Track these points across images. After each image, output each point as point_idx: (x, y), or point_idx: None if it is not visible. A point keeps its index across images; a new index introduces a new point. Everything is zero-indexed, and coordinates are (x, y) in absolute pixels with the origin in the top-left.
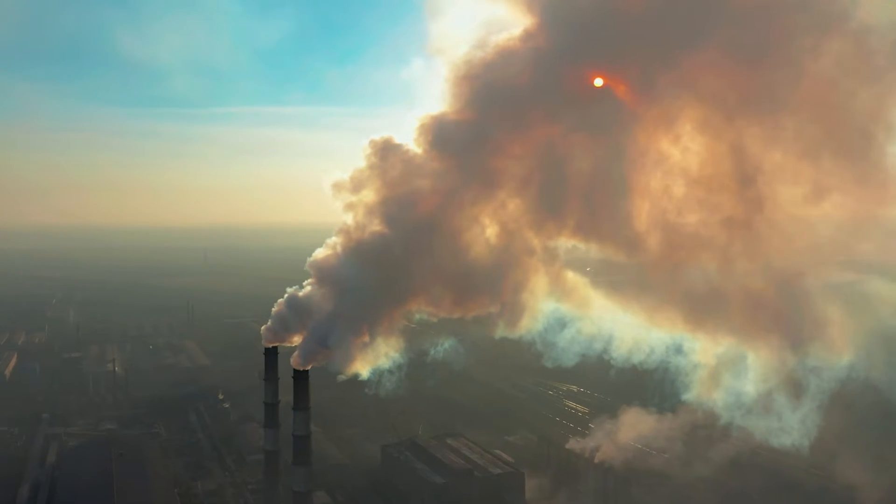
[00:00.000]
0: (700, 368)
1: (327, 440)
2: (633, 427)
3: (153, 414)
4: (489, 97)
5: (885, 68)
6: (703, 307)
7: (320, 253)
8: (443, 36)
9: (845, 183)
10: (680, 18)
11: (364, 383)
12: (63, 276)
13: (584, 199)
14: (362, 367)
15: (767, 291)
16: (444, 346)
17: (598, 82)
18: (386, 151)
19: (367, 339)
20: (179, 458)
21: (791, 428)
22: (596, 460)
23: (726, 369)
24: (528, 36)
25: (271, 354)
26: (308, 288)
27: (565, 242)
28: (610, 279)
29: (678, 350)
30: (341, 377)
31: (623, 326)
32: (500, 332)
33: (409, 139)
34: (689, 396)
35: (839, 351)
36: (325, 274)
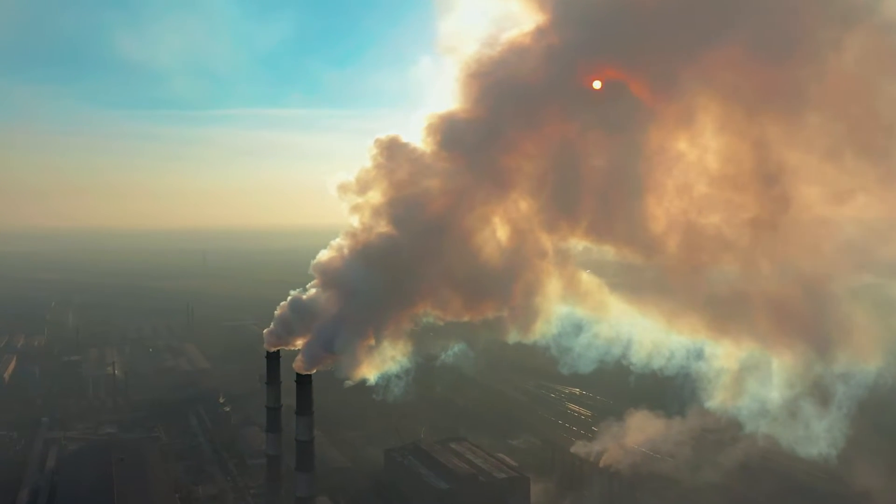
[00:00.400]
0: (722, 374)
1: (329, 444)
2: (639, 431)
3: (153, 417)
4: (501, 94)
5: None
6: (725, 311)
7: (324, 255)
8: (452, 33)
9: (870, 183)
10: (698, 12)
11: (364, 385)
12: (62, 279)
13: (599, 199)
14: (369, 372)
15: (793, 295)
16: (453, 351)
17: (597, 84)
18: (392, 151)
19: (372, 342)
20: (180, 463)
21: (818, 436)
22: (601, 464)
23: (750, 375)
24: (540, 32)
25: (273, 358)
26: (312, 291)
27: (578, 243)
28: (620, 280)
29: (699, 355)
30: (349, 383)
31: (641, 330)
32: (513, 336)
33: (413, 139)
34: (711, 403)
35: (867, 356)
36: (330, 277)
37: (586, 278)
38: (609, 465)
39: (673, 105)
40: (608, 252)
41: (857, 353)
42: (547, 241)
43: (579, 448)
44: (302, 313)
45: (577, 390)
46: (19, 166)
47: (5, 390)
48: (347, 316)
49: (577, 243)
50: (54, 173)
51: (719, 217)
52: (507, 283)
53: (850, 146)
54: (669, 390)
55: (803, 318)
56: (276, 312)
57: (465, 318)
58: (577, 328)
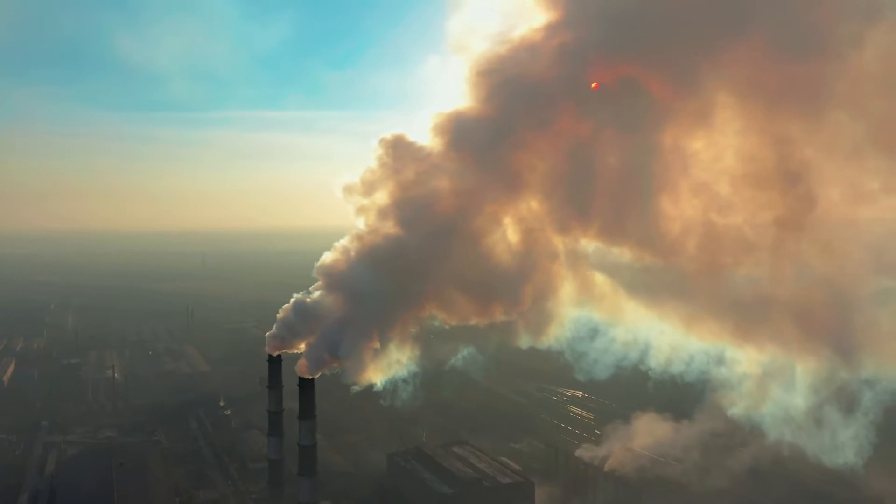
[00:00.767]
0: (745, 380)
1: (330, 448)
2: (644, 434)
3: (153, 421)
4: (512, 92)
5: None
6: (748, 315)
7: (328, 257)
8: (461, 31)
9: (893, 183)
10: (716, 6)
11: (365, 388)
12: (61, 281)
13: (614, 199)
14: (376, 377)
15: (817, 298)
16: (462, 355)
17: (596, 85)
18: (398, 150)
19: (377, 345)
20: (180, 467)
21: (843, 445)
22: (606, 469)
23: (773, 381)
24: (552, 28)
25: (275, 362)
26: (316, 293)
27: (590, 244)
28: (636, 282)
29: (718, 360)
30: (355, 388)
31: (658, 335)
32: (525, 341)
33: (417, 140)
34: (733, 409)
35: (894, 362)
36: (334, 279)
37: (601, 280)
38: (614, 469)
39: (691, 102)
40: (624, 254)
41: (883, 358)
42: (559, 243)
43: (584, 452)
44: (306, 316)
45: (578, 393)
46: (18, 168)
47: (4, 393)
48: (353, 319)
49: (590, 244)
50: (53, 175)
51: (741, 217)
52: (517, 286)
53: (872, 145)
54: (672, 393)
55: (828, 323)
56: (278, 315)
57: (473, 322)
58: (592, 332)
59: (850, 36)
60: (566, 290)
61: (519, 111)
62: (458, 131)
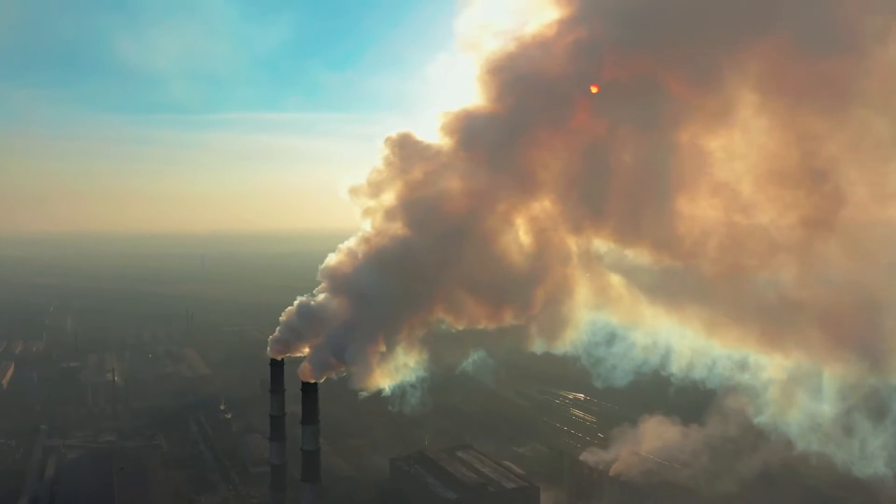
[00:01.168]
0: (771, 385)
1: (332, 452)
2: (649, 438)
3: (154, 425)
4: (524, 90)
5: None
6: (773, 319)
7: (333, 259)
8: (471, 29)
9: None
10: (738, 1)
11: (368, 392)
12: (60, 284)
13: (631, 199)
14: (383, 382)
15: (846, 301)
16: (472, 359)
17: (594, 90)
18: (405, 150)
19: (384, 349)
20: (181, 471)
21: (873, 454)
22: (611, 473)
23: (799, 387)
24: (565, 24)
25: (277, 366)
26: (321, 296)
27: (603, 245)
28: (654, 284)
29: (742, 365)
30: (363, 394)
31: (678, 339)
32: (539, 346)
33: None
34: (760, 418)
35: None
36: (340, 282)
37: (617, 282)
38: (619, 473)
39: (712, 99)
40: (642, 256)
41: None
42: (572, 244)
43: (588, 456)
44: (311, 319)
45: (581, 396)
46: (17, 171)
47: (3, 397)
48: (359, 322)
49: (603, 245)
50: (52, 178)
51: (766, 217)
52: (528, 288)
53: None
54: (675, 395)
55: (857, 327)
56: (281, 318)
57: (482, 325)
58: (609, 337)
59: (875, 32)
60: (581, 292)
61: (532, 109)
62: (469, 130)
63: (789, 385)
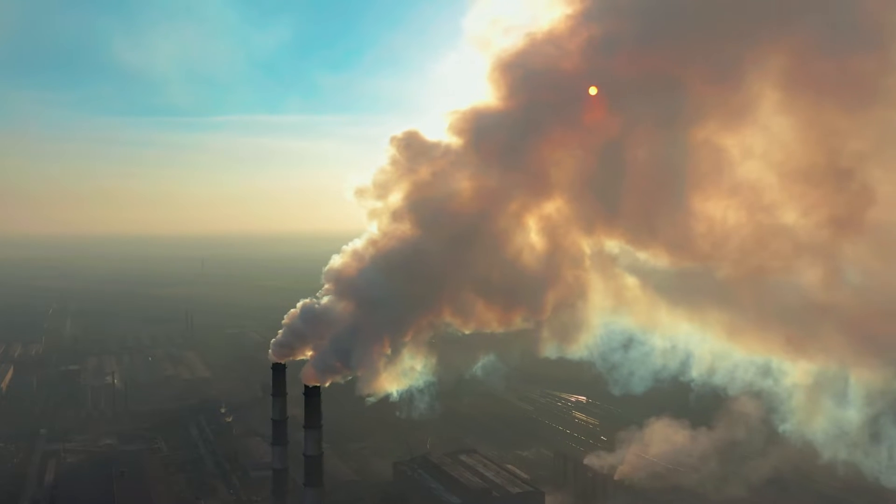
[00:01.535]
0: (797, 391)
1: (335, 456)
2: (654, 442)
3: (154, 428)
4: (537, 87)
5: None
6: (798, 323)
7: (337, 261)
8: (481, 25)
9: None
10: None
11: (370, 396)
12: (59, 286)
13: (648, 199)
14: (390, 386)
15: (874, 304)
16: (482, 363)
17: (593, 91)
18: (412, 149)
19: (389, 351)
20: (181, 475)
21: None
22: (616, 477)
23: (825, 392)
24: (578, 20)
25: (279, 369)
26: (325, 299)
27: (616, 247)
28: (670, 286)
29: (763, 370)
30: (371, 399)
31: (697, 344)
32: (552, 350)
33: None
34: (785, 426)
35: None
36: (345, 284)
37: (633, 284)
38: (624, 477)
39: (732, 96)
40: (658, 257)
41: None
42: (585, 245)
43: (593, 460)
44: (315, 322)
45: (583, 398)
46: (16, 173)
47: (2, 401)
48: (365, 326)
49: (616, 247)
50: (51, 180)
51: (791, 217)
52: (539, 290)
53: None
54: (677, 398)
55: (885, 331)
56: (284, 321)
57: (490, 328)
58: (625, 341)
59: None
60: (595, 295)
61: (545, 106)
62: (480, 128)
63: (814, 391)
